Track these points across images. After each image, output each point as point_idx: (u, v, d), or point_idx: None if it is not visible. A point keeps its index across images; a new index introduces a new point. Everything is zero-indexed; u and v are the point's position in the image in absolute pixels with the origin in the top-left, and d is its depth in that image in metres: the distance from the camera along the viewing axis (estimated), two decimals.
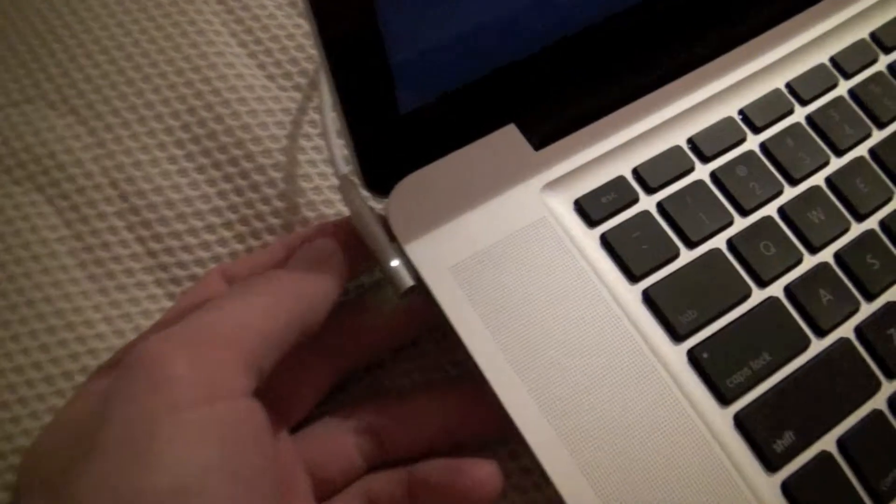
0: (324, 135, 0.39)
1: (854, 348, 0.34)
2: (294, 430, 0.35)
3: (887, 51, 0.41)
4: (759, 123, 0.38)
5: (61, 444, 0.30)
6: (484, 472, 0.32)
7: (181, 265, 0.41)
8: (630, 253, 0.34)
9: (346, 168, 0.37)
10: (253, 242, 0.42)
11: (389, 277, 0.33)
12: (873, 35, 0.41)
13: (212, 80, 0.45)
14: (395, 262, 0.33)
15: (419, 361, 0.39)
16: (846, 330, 0.34)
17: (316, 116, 0.44)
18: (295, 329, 0.32)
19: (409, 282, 0.33)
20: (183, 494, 0.26)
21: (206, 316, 0.30)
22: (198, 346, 0.29)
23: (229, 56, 0.46)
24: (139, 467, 0.26)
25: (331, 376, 0.36)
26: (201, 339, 0.29)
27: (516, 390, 0.31)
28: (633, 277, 0.34)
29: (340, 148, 0.38)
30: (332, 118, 0.39)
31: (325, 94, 0.40)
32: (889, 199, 0.37)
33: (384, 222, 0.34)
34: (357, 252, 0.35)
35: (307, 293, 0.32)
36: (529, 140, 0.36)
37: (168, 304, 0.41)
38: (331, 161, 0.39)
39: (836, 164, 0.38)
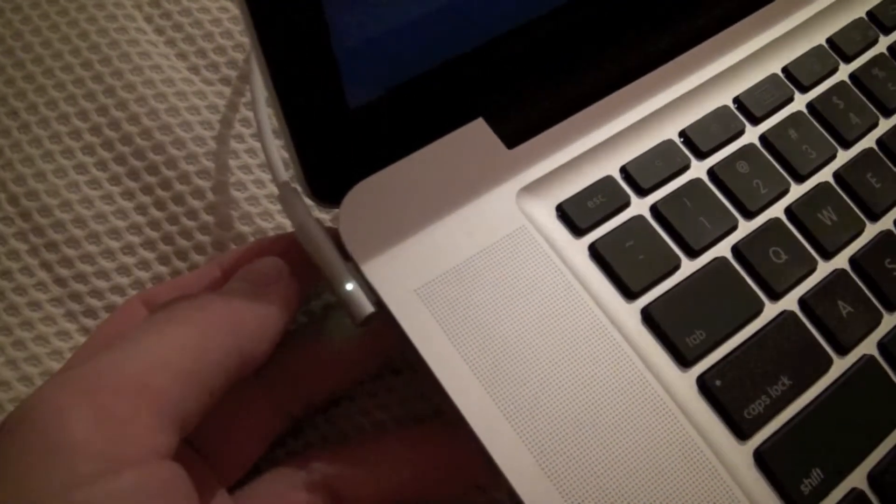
0: (259, 135, 0.34)
1: (879, 366, 0.31)
2: (235, 486, 0.30)
3: (887, 31, 0.38)
4: (757, 113, 0.34)
5: None
6: None
7: (96, 294, 0.36)
8: (624, 265, 0.30)
9: (286, 174, 0.32)
10: (179, 264, 0.37)
11: (345, 303, 0.29)
12: (870, 14, 0.38)
13: (125, 74, 0.40)
14: (350, 286, 0.29)
15: (383, 397, 0.35)
16: (869, 346, 0.31)
17: (249, 114, 0.39)
18: (228, 367, 0.27)
19: (368, 308, 0.28)
20: None
21: (112, 356, 0.25)
22: (101, 397, 0.24)
23: (145, 45, 0.41)
24: None
25: (278, 422, 0.32)
26: (105, 386, 0.24)
27: (502, 433, 0.27)
28: (629, 294, 0.30)
29: (279, 150, 0.34)
30: (267, 115, 0.34)
31: (259, 88, 0.35)
32: None
33: (335, 237, 0.29)
34: (305, 273, 0.30)
35: (245, 322, 0.28)
36: (501, 136, 0.32)
37: (81, 340, 0.36)
38: (268, 166, 0.34)
39: (843, 157, 0.34)
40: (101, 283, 0.36)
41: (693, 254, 0.31)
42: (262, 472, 0.31)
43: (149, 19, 0.42)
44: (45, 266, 0.37)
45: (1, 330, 0.36)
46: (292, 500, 0.30)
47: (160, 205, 0.38)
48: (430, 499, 0.31)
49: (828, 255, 0.32)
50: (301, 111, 0.28)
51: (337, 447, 0.32)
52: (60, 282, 0.36)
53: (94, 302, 0.36)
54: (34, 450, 0.23)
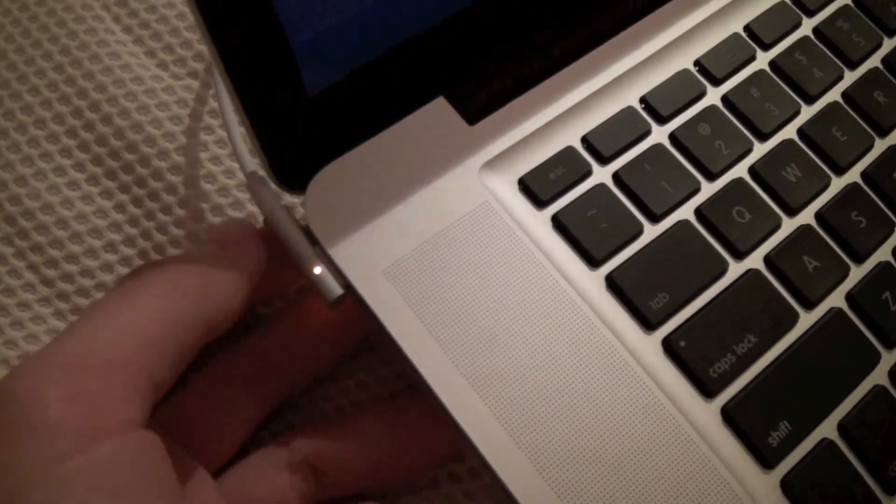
0: (225, 126, 0.36)
1: (847, 318, 0.32)
2: (220, 470, 0.32)
3: None
4: (718, 74, 0.35)
5: None
6: None
7: (82, 292, 0.38)
8: (587, 234, 0.31)
9: (253, 163, 0.34)
10: (156, 257, 0.39)
11: (315, 287, 0.30)
12: None
13: (96, 75, 0.41)
14: (318, 270, 0.30)
15: (360, 376, 0.36)
16: (837, 299, 0.32)
17: (215, 104, 0.41)
18: (196, 332, 0.28)
19: (336, 291, 0.30)
20: None
21: (80, 331, 0.27)
22: (72, 375, 0.25)
23: (113, 44, 0.42)
24: None
25: (259, 410, 0.33)
26: (75, 364, 0.26)
27: (471, 405, 0.28)
28: (593, 262, 0.31)
29: (246, 139, 0.35)
30: (231, 107, 0.36)
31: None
32: (870, 148, 0.35)
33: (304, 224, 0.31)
34: (277, 259, 0.31)
35: (210, 285, 0.29)
36: (462, 114, 0.33)
37: None
38: (235, 156, 0.35)
39: (807, 112, 0.35)
40: (87, 282, 0.38)
41: (655, 219, 0.32)
42: (244, 454, 0.33)
43: (117, 19, 0.43)
44: (32, 268, 0.38)
45: None
46: (276, 480, 0.31)
47: (137, 202, 0.39)
48: (410, 472, 0.33)
49: (793, 212, 0.33)
50: (259, 101, 0.29)
51: (317, 426, 0.33)
52: (47, 282, 0.38)
53: (81, 300, 0.38)
54: (14, 431, 0.24)
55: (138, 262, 0.39)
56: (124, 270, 0.38)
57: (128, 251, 0.39)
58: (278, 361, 0.34)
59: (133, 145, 0.40)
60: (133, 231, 0.39)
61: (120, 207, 0.39)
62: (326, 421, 0.35)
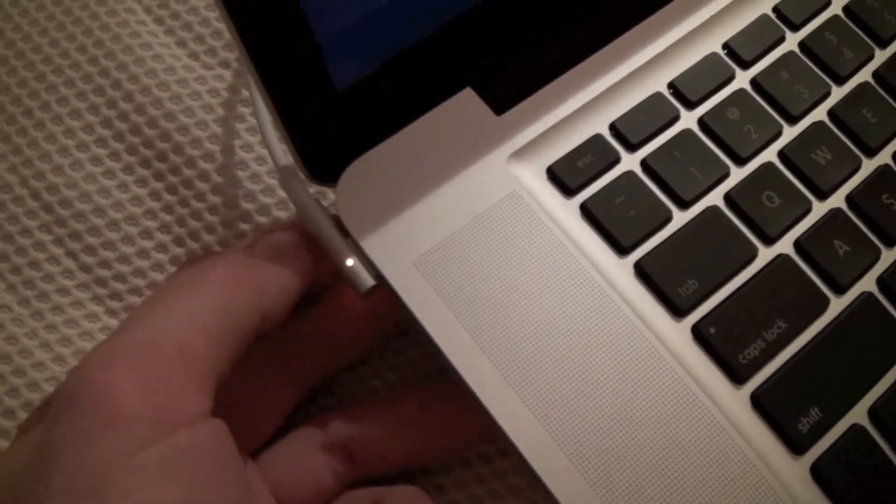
0: (257, 121, 0.37)
1: (878, 303, 0.32)
2: (255, 452, 0.33)
3: None
4: (747, 57, 0.35)
5: None
6: None
7: (120, 278, 0.39)
8: (616, 222, 0.32)
9: (285, 158, 0.34)
10: (192, 244, 0.39)
11: (347, 278, 0.31)
12: None
13: (128, 66, 0.42)
14: (350, 262, 0.31)
15: (392, 360, 0.37)
16: (868, 283, 0.32)
17: (245, 93, 0.42)
18: (252, 325, 0.29)
19: (369, 282, 0.31)
20: None
21: (149, 322, 0.27)
22: (147, 365, 0.26)
23: (145, 35, 0.43)
24: None
25: (293, 395, 0.34)
26: (148, 356, 0.26)
27: (501, 393, 0.29)
28: (621, 249, 0.32)
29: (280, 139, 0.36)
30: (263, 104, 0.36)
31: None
32: None
33: (336, 215, 0.31)
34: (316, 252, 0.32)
35: (266, 281, 0.30)
36: (490, 104, 0.33)
37: (110, 321, 0.38)
38: (267, 149, 0.36)
39: (838, 93, 0.35)
40: (124, 268, 0.39)
41: (684, 205, 0.32)
42: (279, 435, 0.33)
43: (148, 10, 0.44)
44: (71, 255, 0.39)
45: (33, 315, 0.38)
46: (311, 461, 0.32)
47: (171, 190, 0.40)
48: (442, 453, 0.34)
49: (823, 196, 0.33)
50: (289, 97, 0.30)
51: (351, 408, 0.34)
52: (85, 269, 0.39)
53: (119, 286, 0.39)
54: (92, 422, 0.25)
55: (174, 248, 0.39)
56: (161, 257, 0.39)
57: (163, 238, 0.40)
58: (313, 346, 0.34)
59: (166, 134, 0.41)
60: (168, 218, 0.40)
61: (155, 195, 0.40)
62: (360, 404, 0.36)
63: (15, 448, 0.29)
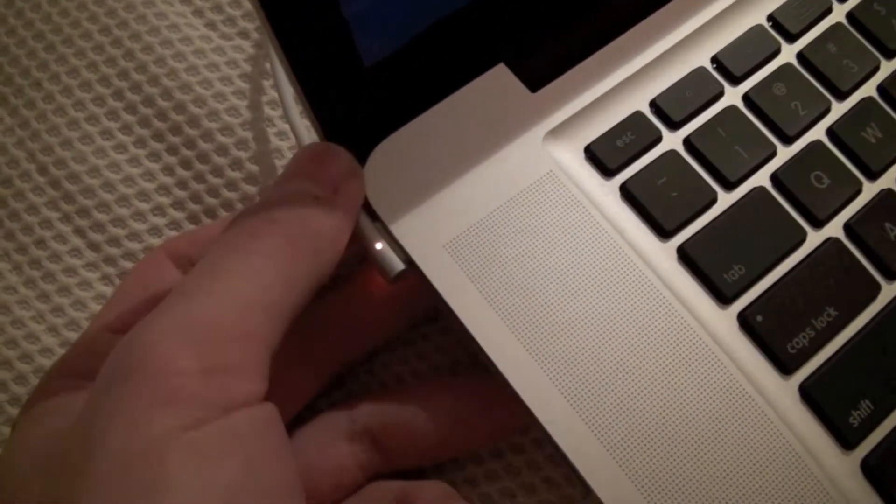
0: (279, 95, 0.36)
1: None
2: None
3: None
4: (793, 30, 0.35)
5: (24, 478, 0.27)
6: None
7: (130, 256, 0.38)
8: (658, 204, 0.31)
9: (308, 136, 0.34)
10: (208, 221, 0.39)
11: (375, 262, 0.30)
12: None
13: (142, 36, 0.41)
14: (379, 245, 0.30)
15: (420, 346, 0.36)
16: None
17: (267, 66, 0.41)
18: (310, 291, 0.28)
19: (397, 267, 0.30)
20: None
21: (205, 295, 0.27)
22: (206, 345, 0.25)
23: (160, 4, 0.42)
24: (145, 497, 0.23)
25: (317, 380, 0.34)
26: (209, 334, 0.26)
27: (536, 381, 0.29)
28: (664, 233, 0.31)
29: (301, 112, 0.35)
30: (285, 77, 0.35)
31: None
32: None
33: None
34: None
35: (322, 237, 0.29)
36: (524, 80, 0.33)
37: None
38: (292, 131, 0.35)
39: (887, 67, 0.35)
40: (134, 245, 0.38)
41: (730, 186, 0.32)
42: (301, 423, 0.33)
43: None
44: (79, 232, 0.39)
45: (39, 297, 0.38)
46: (336, 449, 0.32)
47: (186, 164, 0.39)
48: (473, 444, 0.34)
49: (874, 176, 0.33)
50: (315, 75, 0.29)
51: (377, 396, 0.33)
52: (94, 247, 0.38)
53: (128, 265, 0.38)
54: (148, 400, 0.24)
55: (187, 225, 0.39)
56: (173, 233, 0.39)
57: (177, 214, 0.39)
58: (337, 330, 0.34)
59: (181, 106, 0.40)
60: (182, 193, 0.39)
61: (168, 170, 0.40)
62: (389, 391, 0.35)
63: (45, 414, 0.29)
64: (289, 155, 0.40)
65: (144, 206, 0.39)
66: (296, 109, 0.35)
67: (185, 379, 0.25)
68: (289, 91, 0.35)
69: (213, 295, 0.26)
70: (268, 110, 0.41)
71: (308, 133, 0.34)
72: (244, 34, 0.42)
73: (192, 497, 0.23)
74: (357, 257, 0.35)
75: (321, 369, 0.34)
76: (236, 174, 0.39)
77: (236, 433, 0.25)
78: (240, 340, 0.26)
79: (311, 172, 0.30)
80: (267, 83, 0.41)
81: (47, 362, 0.36)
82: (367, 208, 0.31)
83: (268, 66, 0.41)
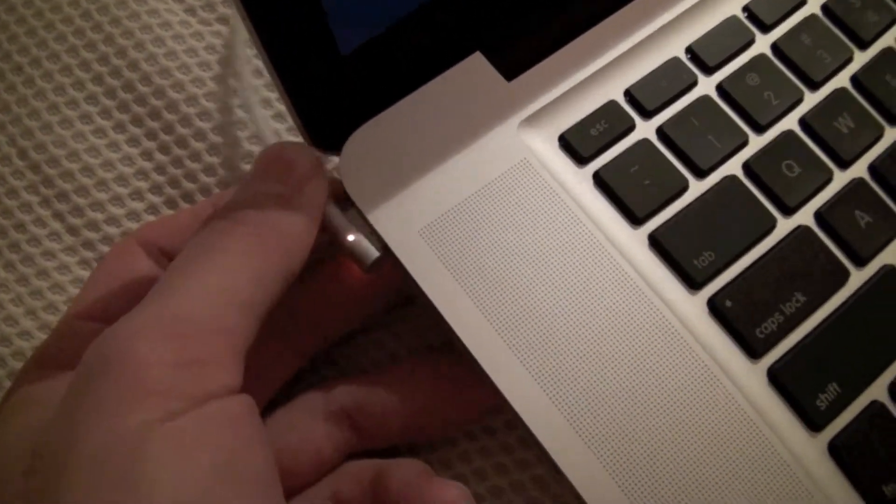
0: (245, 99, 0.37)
1: None
2: None
3: None
4: (768, 20, 0.36)
5: (5, 471, 0.28)
6: (449, 497, 0.30)
7: (107, 240, 0.39)
8: (630, 191, 0.32)
9: (271, 130, 0.35)
10: (185, 206, 0.40)
11: (350, 254, 0.32)
12: None
13: (122, 21, 0.42)
14: (352, 237, 0.32)
15: (396, 328, 0.38)
16: (890, 255, 0.32)
17: (247, 51, 0.42)
18: (282, 287, 0.30)
19: (372, 254, 0.31)
20: None
21: (178, 292, 0.28)
22: (181, 340, 0.27)
23: None
24: (127, 491, 0.24)
25: (292, 363, 0.35)
26: (183, 329, 0.27)
27: (508, 365, 0.30)
28: (635, 220, 0.32)
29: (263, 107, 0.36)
30: (250, 70, 0.36)
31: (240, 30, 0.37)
32: None
33: (335, 187, 0.32)
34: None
35: (290, 236, 0.30)
36: (500, 69, 0.34)
37: None
38: (256, 129, 0.36)
39: (861, 58, 0.36)
40: (112, 230, 0.40)
41: (701, 174, 0.33)
42: (280, 403, 0.34)
43: None
44: (58, 216, 0.40)
45: (18, 280, 0.39)
46: (311, 429, 0.33)
47: (164, 149, 0.40)
48: (448, 425, 0.35)
49: (845, 165, 0.34)
50: (292, 61, 0.30)
51: (352, 378, 0.34)
52: (73, 231, 0.40)
53: (106, 248, 0.39)
54: (124, 395, 0.25)
55: (165, 210, 0.40)
56: (151, 217, 0.40)
57: (154, 199, 0.40)
58: (313, 311, 0.35)
59: (160, 91, 0.41)
60: (160, 178, 0.40)
61: (147, 155, 0.41)
62: (366, 372, 0.36)
63: (18, 408, 0.30)
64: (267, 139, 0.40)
65: (123, 191, 0.40)
66: (261, 114, 0.35)
67: (161, 371, 0.26)
68: (253, 87, 0.36)
69: (188, 292, 0.28)
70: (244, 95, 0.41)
71: (273, 132, 0.35)
72: (223, 19, 0.43)
73: (171, 487, 0.24)
74: (328, 243, 0.35)
75: (298, 351, 0.35)
76: (213, 159, 0.40)
77: (212, 423, 0.26)
78: (214, 335, 0.27)
79: (275, 172, 0.31)
80: (246, 68, 0.42)
81: (26, 345, 0.38)
82: (339, 199, 0.32)
83: (248, 50, 0.42)
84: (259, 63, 0.41)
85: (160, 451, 0.25)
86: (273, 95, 0.41)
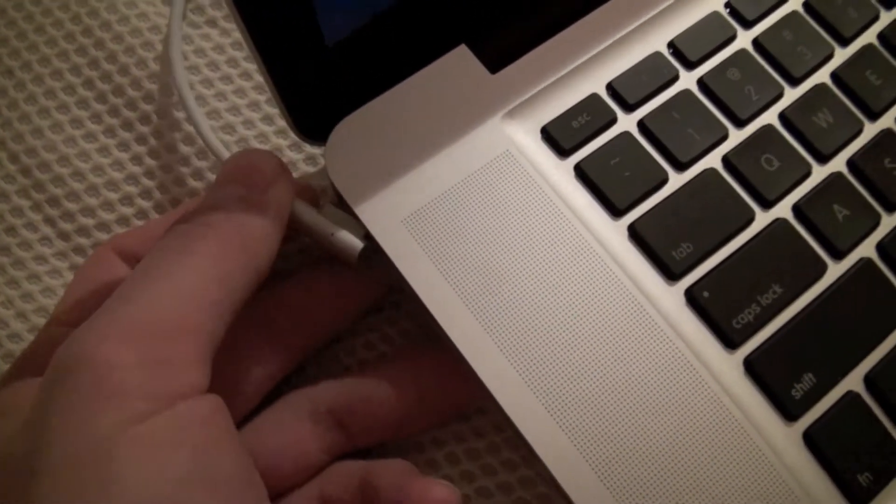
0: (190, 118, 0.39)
1: (877, 269, 0.33)
2: (241, 422, 0.34)
3: None
4: (749, 16, 0.37)
5: None
6: (437, 497, 0.31)
7: (98, 245, 0.40)
8: (610, 183, 0.33)
9: (223, 149, 0.37)
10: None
11: (336, 251, 0.33)
12: None
13: (112, 25, 0.43)
14: (335, 232, 0.33)
15: (385, 330, 0.38)
16: (867, 248, 0.33)
17: (236, 53, 0.43)
18: (247, 287, 0.30)
19: (357, 245, 0.33)
20: None
21: (142, 295, 0.29)
22: (145, 341, 0.27)
23: None
24: (98, 492, 0.25)
25: (284, 361, 0.35)
26: (147, 333, 0.28)
27: (489, 354, 0.31)
28: (615, 212, 0.33)
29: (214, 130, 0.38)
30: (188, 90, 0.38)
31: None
32: None
33: (310, 188, 0.33)
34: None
35: (254, 237, 0.31)
36: (484, 62, 0.35)
37: None
38: (207, 148, 0.38)
39: (841, 55, 0.37)
40: (102, 235, 0.41)
41: (681, 167, 0.34)
42: (267, 405, 0.34)
43: None
44: (49, 221, 0.41)
45: (9, 283, 0.40)
46: (297, 430, 0.33)
47: (154, 154, 0.42)
48: (433, 420, 0.35)
49: (824, 159, 0.35)
50: (278, 52, 0.31)
51: (339, 379, 0.35)
52: (63, 236, 0.41)
53: None
54: (90, 398, 0.26)
55: (154, 215, 0.41)
56: (140, 223, 0.41)
57: (144, 204, 0.41)
58: (299, 315, 0.35)
59: (150, 95, 0.42)
60: (150, 183, 0.41)
61: (137, 159, 0.42)
62: (351, 372, 0.37)
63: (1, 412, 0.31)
64: (254, 142, 0.42)
65: (113, 196, 0.41)
66: (209, 132, 0.37)
67: (126, 373, 0.26)
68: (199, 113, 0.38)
69: (151, 294, 0.28)
70: (235, 99, 0.43)
71: (225, 151, 0.37)
72: (212, 23, 0.44)
73: (143, 489, 0.25)
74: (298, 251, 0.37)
75: (287, 352, 0.35)
76: (202, 163, 0.41)
77: (181, 424, 0.27)
78: (179, 335, 0.28)
79: (240, 177, 0.32)
80: (234, 71, 0.43)
81: (15, 348, 0.39)
82: (312, 201, 0.33)
83: (234, 53, 0.43)
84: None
85: (130, 453, 0.25)
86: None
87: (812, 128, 0.35)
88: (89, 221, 0.41)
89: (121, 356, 0.26)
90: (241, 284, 0.30)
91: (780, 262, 0.33)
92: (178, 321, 0.28)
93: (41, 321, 0.39)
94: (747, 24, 0.37)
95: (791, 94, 0.36)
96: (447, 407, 0.35)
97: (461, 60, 0.35)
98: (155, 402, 0.26)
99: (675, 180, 0.34)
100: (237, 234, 0.30)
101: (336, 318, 0.37)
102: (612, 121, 0.34)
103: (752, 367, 0.31)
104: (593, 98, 0.35)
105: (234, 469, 0.27)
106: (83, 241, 0.40)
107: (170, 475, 0.25)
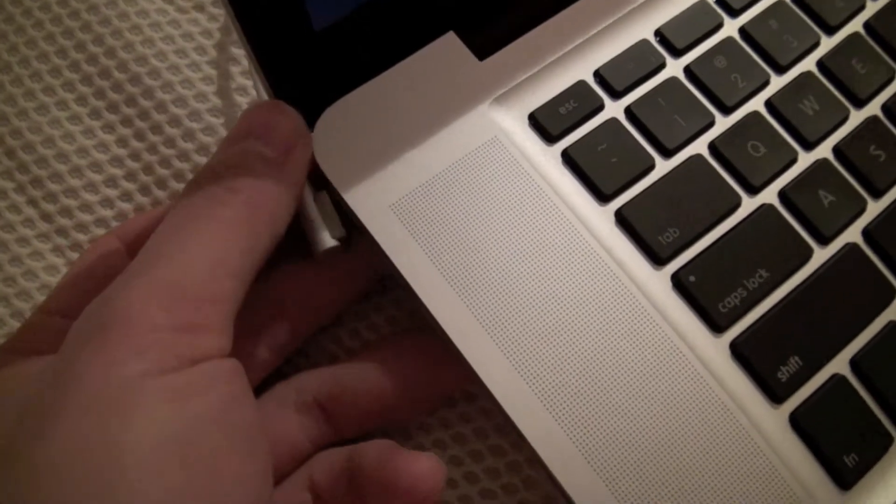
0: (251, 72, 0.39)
1: (863, 254, 0.34)
2: None
3: None
4: (736, 5, 0.38)
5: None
6: (421, 468, 0.32)
7: (81, 227, 0.41)
8: (597, 169, 0.34)
9: None
10: (159, 193, 0.42)
11: (306, 234, 0.34)
12: None
13: (100, 9, 0.44)
14: (318, 215, 0.34)
15: (372, 318, 0.39)
16: (853, 234, 0.35)
17: (223, 38, 0.44)
18: (265, 254, 0.31)
19: (339, 231, 0.34)
20: (174, 444, 0.26)
21: (174, 258, 0.30)
22: (178, 304, 0.29)
23: None
24: (121, 424, 0.26)
25: (289, 341, 0.36)
26: (178, 295, 0.29)
27: (477, 338, 0.32)
28: (602, 197, 0.34)
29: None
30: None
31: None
32: (891, 80, 0.38)
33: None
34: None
35: (277, 202, 0.32)
36: (472, 48, 0.36)
37: None
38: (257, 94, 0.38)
39: (827, 44, 0.38)
40: (86, 217, 0.41)
41: (668, 153, 0.35)
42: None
43: None
44: (32, 203, 0.42)
45: None
46: (284, 421, 0.34)
47: (139, 136, 0.43)
48: (419, 407, 0.36)
49: (810, 146, 0.36)
50: (266, 38, 0.32)
51: (325, 368, 0.36)
52: (47, 217, 0.41)
53: (80, 236, 0.41)
54: (119, 351, 0.27)
55: (139, 197, 0.42)
56: (125, 206, 0.42)
57: (129, 185, 0.42)
58: (307, 296, 0.37)
59: (136, 78, 0.43)
60: (135, 165, 0.42)
61: (122, 141, 0.43)
62: (334, 364, 0.38)
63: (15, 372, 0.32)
64: None
65: (97, 178, 0.42)
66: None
67: (158, 334, 0.28)
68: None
69: (182, 259, 0.30)
70: (221, 82, 0.44)
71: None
72: (199, 7, 0.45)
73: (164, 425, 0.26)
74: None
75: (293, 336, 0.36)
76: (189, 145, 0.42)
77: (205, 378, 0.28)
78: (207, 302, 0.29)
79: (262, 133, 0.33)
80: (221, 56, 0.44)
81: None
82: (316, 169, 0.34)
83: (223, 38, 0.44)
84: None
85: (155, 396, 0.27)
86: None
87: (798, 115, 0.36)
88: (73, 203, 0.41)
89: (154, 318, 0.28)
90: (263, 252, 0.31)
91: (767, 247, 0.34)
92: (206, 288, 0.29)
93: (24, 305, 0.40)
94: (734, 13, 0.38)
95: (777, 82, 0.37)
96: (433, 394, 0.36)
97: (449, 47, 0.36)
98: (183, 361, 0.28)
99: (662, 166, 0.35)
100: (263, 202, 0.31)
101: (339, 301, 0.38)
102: (600, 107, 0.35)
103: (739, 351, 0.32)
104: (581, 85, 0.36)
105: (251, 422, 0.29)
106: (66, 222, 0.41)
107: (189, 415, 0.27)
